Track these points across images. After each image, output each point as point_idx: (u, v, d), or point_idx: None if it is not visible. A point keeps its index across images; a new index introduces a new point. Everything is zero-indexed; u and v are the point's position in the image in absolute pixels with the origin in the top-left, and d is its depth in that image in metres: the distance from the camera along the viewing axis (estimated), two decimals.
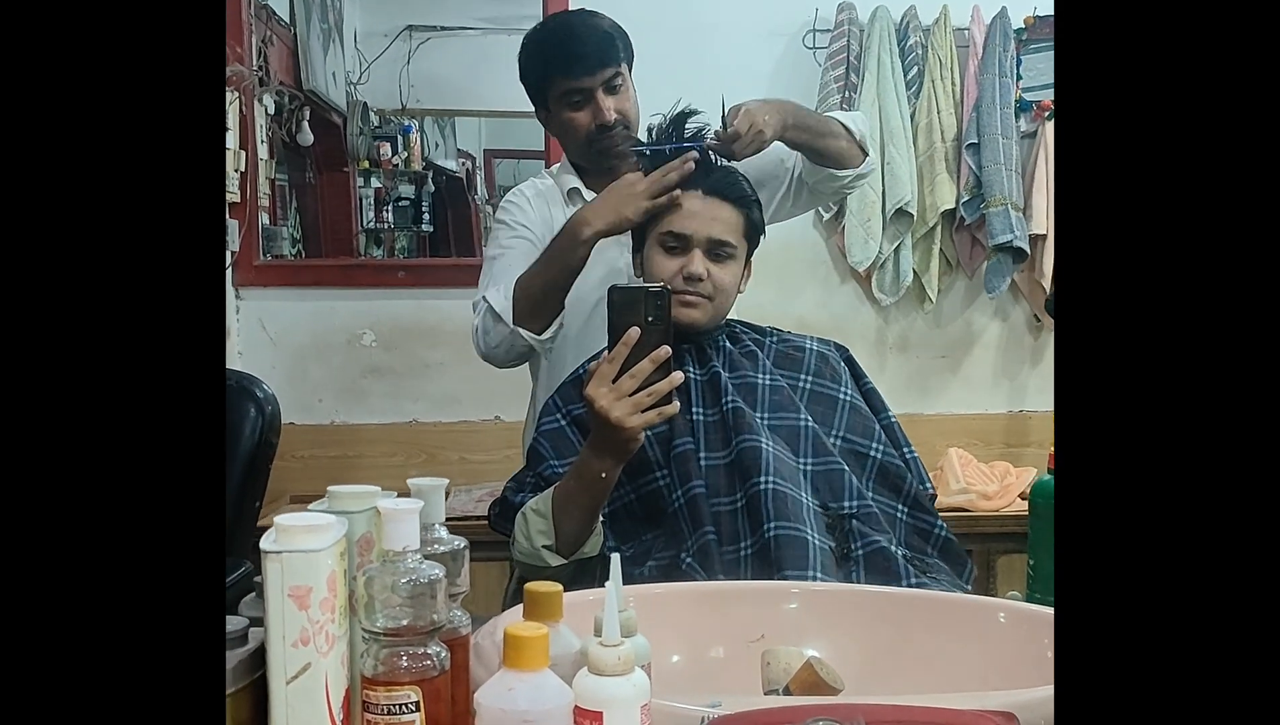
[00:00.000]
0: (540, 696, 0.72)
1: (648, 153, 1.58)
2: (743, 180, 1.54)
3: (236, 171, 2.77)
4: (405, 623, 0.77)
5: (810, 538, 1.35)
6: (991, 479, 2.72)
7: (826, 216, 2.93)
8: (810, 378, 1.53)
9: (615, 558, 0.87)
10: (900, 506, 1.48)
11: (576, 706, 0.73)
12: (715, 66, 2.71)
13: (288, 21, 3.33)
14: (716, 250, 1.49)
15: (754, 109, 1.56)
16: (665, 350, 1.34)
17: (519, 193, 1.89)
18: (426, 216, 4.49)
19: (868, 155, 1.79)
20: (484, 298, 1.69)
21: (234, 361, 2.78)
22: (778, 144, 1.63)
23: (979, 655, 1.07)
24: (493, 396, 2.82)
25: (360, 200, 4.23)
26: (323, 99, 3.65)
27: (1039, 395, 3.02)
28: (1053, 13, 2.79)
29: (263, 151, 2.95)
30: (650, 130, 1.62)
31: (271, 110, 3.06)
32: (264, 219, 2.99)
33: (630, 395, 1.33)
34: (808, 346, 1.58)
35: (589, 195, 1.78)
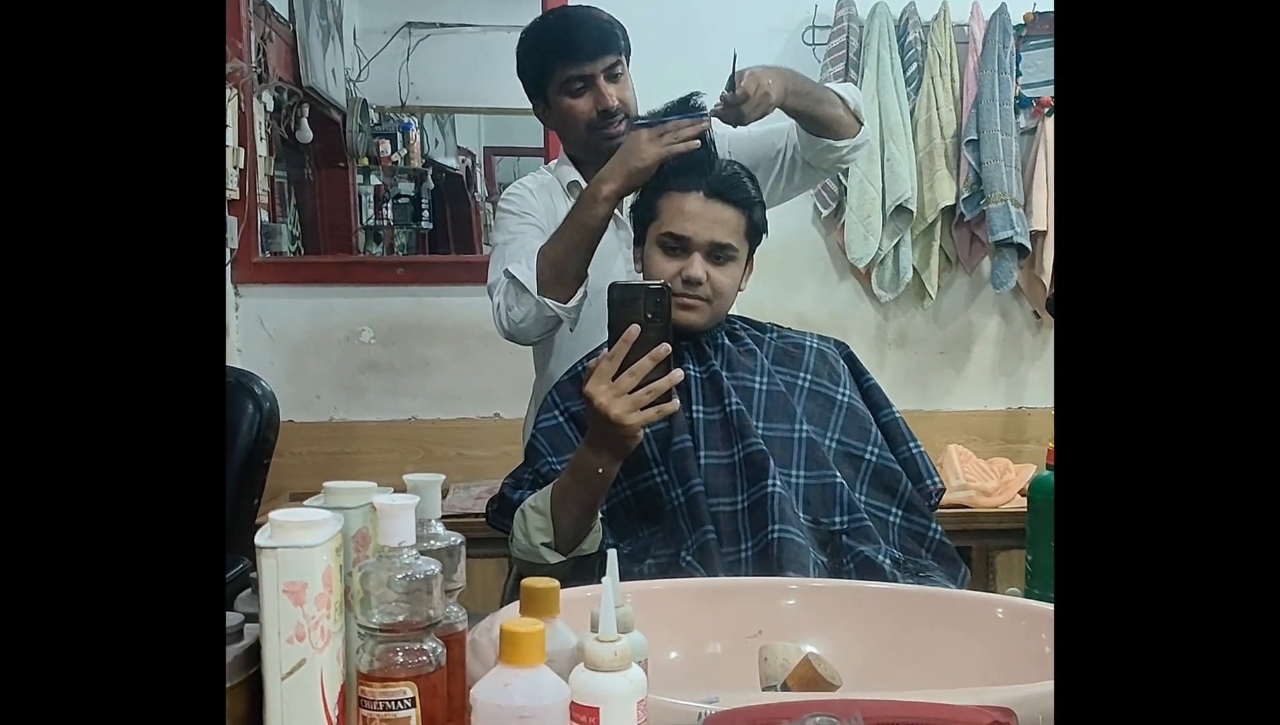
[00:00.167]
0: (536, 692, 0.72)
1: (651, 125, 1.58)
2: (746, 181, 1.52)
3: (235, 168, 2.76)
4: (401, 618, 0.77)
5: (810, 547, 1.35)
6: (991, 475, 2.72)
7: (825, 213, 2.92)
8: (809, 376, 1.53)
9: (612, 553, 0.86)
10: (895, 509, 1.47)
11: (573, 702, 0.73)
12: (714, 64, 2.69)
13: (286, 18, 3.33)
14: (717, 253, 1.48)
15: (759, 72, 1.58)
16: (665, 348, 1.33)
17: (520, 185, 1.90)
18: (426, 214, 4.49)
19: (863, 125, 1.79)
20: (505, 272, 1.69)
21: (233, 358, 2.78)
22: (769, 127, 1.63)
23: (977, 651, 1.07)
24: (491, 393, 2.81)
25: (359, 197, 4.23)
26: (322, 96, 3.65)
27: (1038, 391, 3.02)
28: (1052, 9, 2.78)
29: (262, 148, 2.95)
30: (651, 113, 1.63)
31: (270, 107, 3.05)
32: (263, 216, 2.99)
33: (630, 393, 1.33)
34: (807, 344, 1.57)
35: None
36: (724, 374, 1.48)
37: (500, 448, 2.73)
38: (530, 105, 1.87)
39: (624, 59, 1.79)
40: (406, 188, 4.46)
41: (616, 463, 1.37)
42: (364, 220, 4.27)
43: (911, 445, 1.53)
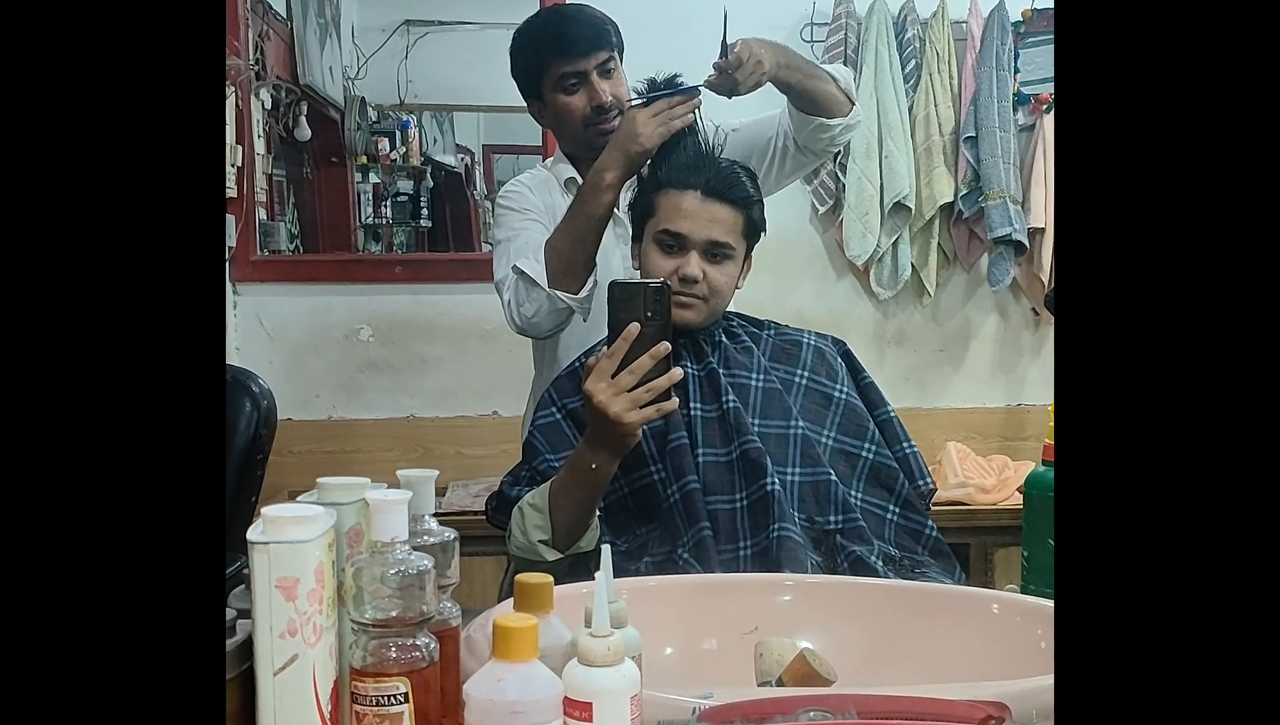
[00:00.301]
0: (529, 687, 0.72)
1: (646, 104, 1.59)
2: (745, 180, 1.51)
3: (233, 167, 2.76)
4: (394, 614, 0.77)
5: (806, 546, 1.35)
6: (989, 473, 2.73)
7: (823, 210, 2.92)
8: (806, 373, 1.52)
9: (605, 549, 0.86)
10: (892, 507, 1.47)
11: (566, 697, 0.73)
12: (711, 61, 2.70)
13: (284, 16, 3.32)
14: (713, 251, 1.47)
15: (752, 41, 1.59)
16: (665, 346, 1.33)
17: (518, 182, 1.90)
18: (425, 212, 4.49)
19: (854, 104, 1.78)
20: (514, 268, 1.69)
21: (231, 357, 2.78)
22: (760, 117, 1.63)
23: (973, 646, 1.07)
24: (490, 391, 2.81)
25: (358, 195, 4.23)
26: (320, 94, 3.65)
27: (1037, 389, 3.02)
28: (1051, 6, 2.78)
29: (260, 146, 2.95)
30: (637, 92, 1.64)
31: (268, 105, 3.05)
32: (261, 214, 2.99)
33: (629, 391, 1.32)
34: (804, 341, 1.57)
35: None
36: (721, 372, 1.48)
37: (499, 445, 2.72)
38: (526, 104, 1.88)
39: (617, 55, 1.80)
40: (405, 186, 4.46)
41: (615, 460, 1.37)
42: (363, 218, 4.27)
43: (905, 445, 1.53)
